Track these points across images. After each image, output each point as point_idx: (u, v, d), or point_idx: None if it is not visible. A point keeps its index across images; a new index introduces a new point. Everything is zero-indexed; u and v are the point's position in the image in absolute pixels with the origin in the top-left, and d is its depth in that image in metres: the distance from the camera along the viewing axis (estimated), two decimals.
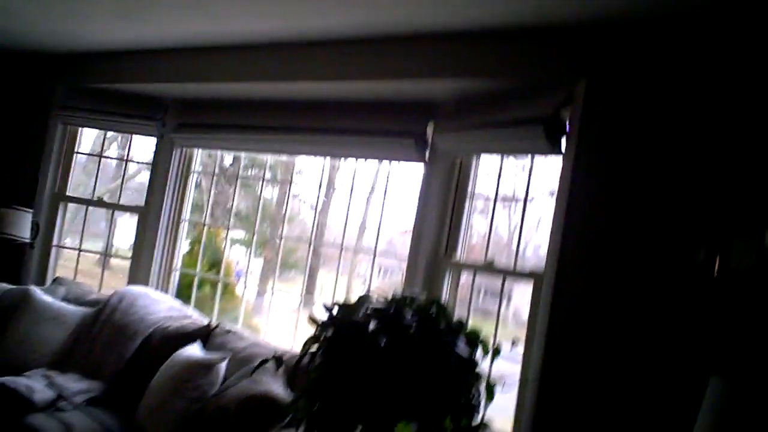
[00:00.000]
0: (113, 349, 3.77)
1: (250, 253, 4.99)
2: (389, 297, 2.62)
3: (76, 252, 5.19)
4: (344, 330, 2.41)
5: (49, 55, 5.07)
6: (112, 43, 4.51)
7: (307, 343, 2.50)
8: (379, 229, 3.94)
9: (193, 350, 3.43)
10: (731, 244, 2.31)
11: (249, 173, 6.29)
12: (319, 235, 6.77)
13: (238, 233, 6.60)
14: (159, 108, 4.82)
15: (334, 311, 2.58)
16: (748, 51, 2.37)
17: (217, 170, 5.28)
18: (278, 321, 4.54)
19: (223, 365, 3.23)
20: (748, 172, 2.31)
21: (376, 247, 3.92)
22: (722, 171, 2.37)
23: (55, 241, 5.17)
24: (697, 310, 2.33)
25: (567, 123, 2.83)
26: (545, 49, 2.91)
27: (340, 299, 2.62)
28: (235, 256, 6.63)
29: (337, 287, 4.34)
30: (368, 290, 2.69)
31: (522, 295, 3.51)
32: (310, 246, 4.44)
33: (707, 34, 2.47)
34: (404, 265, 3.64)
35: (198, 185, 5.14)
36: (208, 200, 5.03)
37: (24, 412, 3.22)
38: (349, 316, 2.48)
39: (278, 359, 2.60)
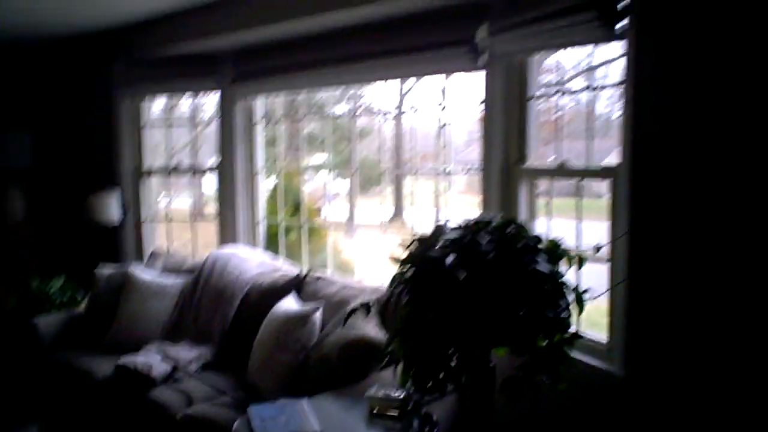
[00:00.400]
0: (216, 312, 3.93)
1: (332, 176, 5.01)
2: (464, 223, 2.57)
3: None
4: (423, 268, 2.39)
5: (100, 35, 5.13)
6: (156, 10, 4.49)
7: (392, 283, 2.51)
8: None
9: (289, 303, 3.52)
10: None
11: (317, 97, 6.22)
12: (397, 146, 6.75)
13: (317, 158, 6.63)
14: (216, 62, 4.85)
15: (412, 248, 2.58)
16: None
17: (282, 109, 5.27)
18: (368, 243, 4.54)
19: (318, 314, 3.30)
20: None
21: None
22: None
23: (143, 216, 5.37)
24: None
25: (622, 4, 2.60)
26: None
27: (419, 232, 2.60)
28: (318, 182, 6.69)
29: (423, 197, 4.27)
30: (441, 220, 2.65)
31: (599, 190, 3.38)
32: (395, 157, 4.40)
33: None
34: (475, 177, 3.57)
35: (267, 130, 5.14)
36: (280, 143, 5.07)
37: (146, 388, 3.44)
38: (426, 252, 2.45)
39: (366, 306, 2.62)
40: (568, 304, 2.37)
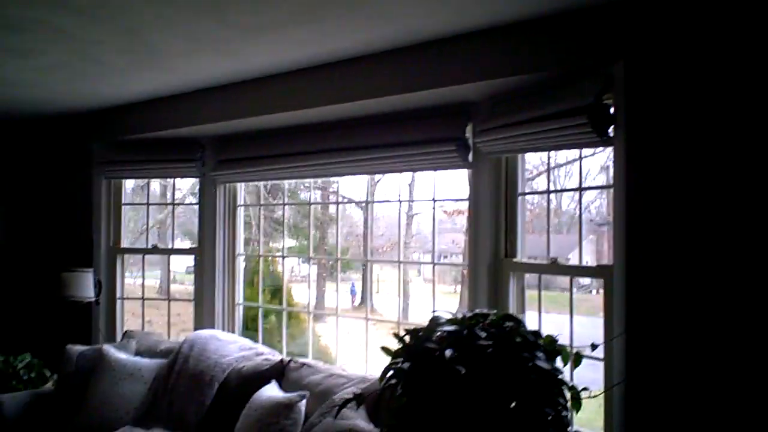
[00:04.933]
0: (193, 398, 3.82)
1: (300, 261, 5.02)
2: (459, 316, 2.58)
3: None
4: (421, 362, 2.37)
5: (81, 115, 5.20)
6: (139, 95, 4.56)
7: (384, 374, 2.48)
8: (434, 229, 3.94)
9: (271, 390, 3.45)
10: None
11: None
12: (366, 234, 6.78)
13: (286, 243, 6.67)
14: (196, 149, 4.87)
15: (407, 340, 2.57)
16: None
17: (263, 195, 5.30)
18: (338, 329, 4.51)
19: (303, 403, 3.23)
20: None
21: (433, 250, 3.88)
22: None
23: (118, 294, 5.27)
24: None
25: (612, 110, 2.73)
26: (576, 35, 2.80)
27: (410, 327, 2.60)
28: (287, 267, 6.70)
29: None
30: (435, 311, 2.66)
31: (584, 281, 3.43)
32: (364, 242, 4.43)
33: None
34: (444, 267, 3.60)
35: (246, 218, 5.16)
36: (259, 228, 5.08)
37: None
38: (422, 344, 2.44)
39: (359, 397, 2.58)
40: (566, 402, 2.37)
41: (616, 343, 2.70)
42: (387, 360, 2.52)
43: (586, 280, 3.45)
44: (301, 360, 3.78)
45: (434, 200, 3.95)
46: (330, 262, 4.72)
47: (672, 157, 2.51)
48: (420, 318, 3.91)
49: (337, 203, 5.24)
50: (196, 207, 5.14)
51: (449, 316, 2.60)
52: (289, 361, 3.76)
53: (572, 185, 3.24)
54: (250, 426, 3.22)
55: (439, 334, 2.48)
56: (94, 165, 5.19)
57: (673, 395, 2.49)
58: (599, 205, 3.39)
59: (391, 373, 2.45)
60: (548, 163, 3.42)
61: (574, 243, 3.29)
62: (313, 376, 3.54)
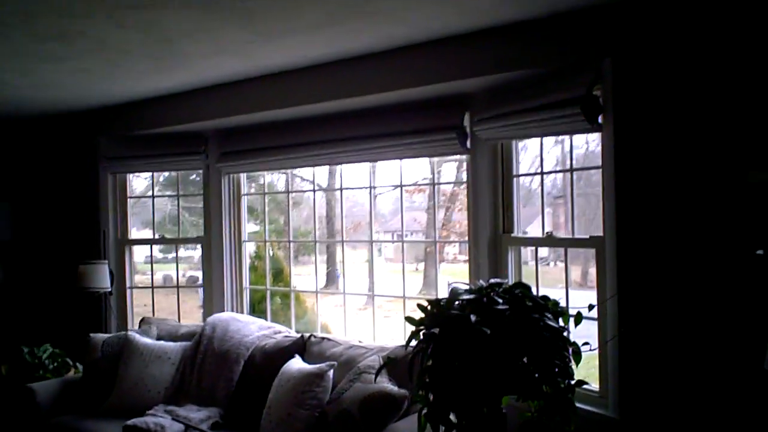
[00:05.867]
0: (221, 375, 4.14)
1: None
2: (475, 286, 2.95)
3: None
4: (449, 327, 2.74)
5: (89, 112, 5.41)
6: (147, 92, 4.80)
7: (410, 340, 2.84)
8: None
9: (298, 363, 3.78)
10: None
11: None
12: (330, 216, 7.04)
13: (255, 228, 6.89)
14: (200, 142, 5.13)
15: (429, 309, 2.93)
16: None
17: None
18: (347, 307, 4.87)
19: (332, 372, 3.58)
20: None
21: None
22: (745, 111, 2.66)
23: (128, 284, 5.54)
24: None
25: (601, 100, 3.11)
26: (568, 35, 3.16)
27: (432, 298, 2.96)
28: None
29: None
30: (453, 283, 3.03)
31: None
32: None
33: None
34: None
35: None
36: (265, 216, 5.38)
37: None
38: (448, 311, 2.81)
39: (392, 360, 2.95)
40: (570, 355, 2.76)
41: (609, 305, 3.10)
42: (401, 329, 2.85)
43: (543, 252, 3.89)
44: (321, 335, 4.13)
45: (401, 186, 4.40)
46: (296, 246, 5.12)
47: (653, 140, 2.91)
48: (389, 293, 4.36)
49: (341, 189, 5.55)
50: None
51: (465, 287, 2.96)
52: (310, 336, 4.10)
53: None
54: (285, 394, 3.56)
55: (459, 302, 2.85)
56: (100, 160, 5.43)
57: (660, 349, 2.91)
58: (554, 178, 3.77)
59: (421, 338, 2.82)
60: (540, 148, 3.79)
61: (533, 215, 3.70)
62: (335, 348, 3.89)
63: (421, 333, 2.82)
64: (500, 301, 2.77)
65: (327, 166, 5.18)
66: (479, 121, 3.72)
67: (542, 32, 3.23)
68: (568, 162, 3.60)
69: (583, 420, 3.09)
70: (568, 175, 3.53)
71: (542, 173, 3.70)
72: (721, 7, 2.72)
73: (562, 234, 3.70)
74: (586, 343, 2.82)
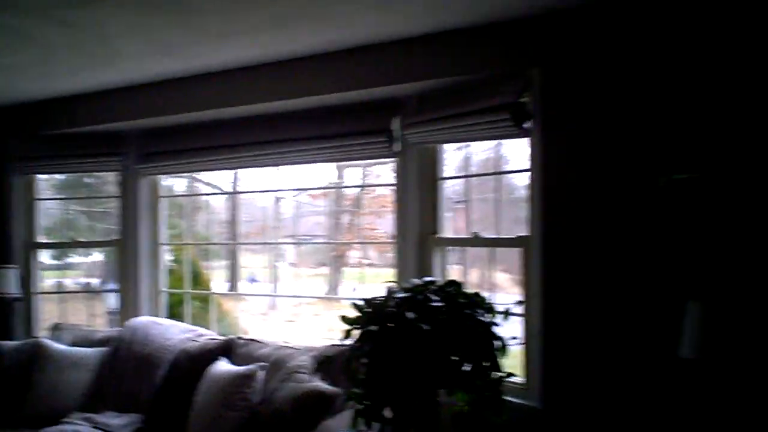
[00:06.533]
0: (142, 379, 4.03)
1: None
2: (409, 285, 3.03)
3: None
4: (387, 322, 2.80)
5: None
6: (66, 90, 4.62)
7: (344, 338, 2.88)
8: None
9: (224, 365, 3.74)
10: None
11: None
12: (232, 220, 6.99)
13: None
14: (119, 143, 4.97)
15: (365, 308, 2.98)
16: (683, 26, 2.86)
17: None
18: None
19: (261, 373, 3.56)
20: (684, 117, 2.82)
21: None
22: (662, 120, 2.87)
23: (35, 289, 5.29)
24: (668, 241, 2.85)
25: (530, 107, 3.27)
26: (498, 44, 3.30)
27: (366, 296, 3.02)
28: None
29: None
30: (389, 282, 3.10)
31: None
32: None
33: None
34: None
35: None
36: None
37: None
38: (385, 309, 2.87)
39: (328, 359, 2.98)
40: (499, 349, 2.88)
41: (534, 303, 3.25)
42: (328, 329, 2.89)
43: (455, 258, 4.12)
44: (247, 336, 4.09)
45: (300, 189, 4.42)
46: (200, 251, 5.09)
47: (578, 145, 3.08)
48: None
49: (281, 191, 5.51)
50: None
51: (398, 287, 3.04)
52: (236, 338, 4.06)
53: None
54: (213, 397, 3.51)
55: (395, 300, 2.92)
56: (8, 161, 5.17)
57: (581, 341, 3.08)
58: (453, 184, 3.94)
59: (357, 336, 2.86)
60: (466, 152, 3.92)
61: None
62: (263, 350, 3.87)
63: (356, 331, 2.87)
64: (435, 298, 2.86)
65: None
66: (409, 125, 3.81)
67: (475, 41, 3.36)
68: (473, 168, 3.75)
69: (508, 410, 3.23)
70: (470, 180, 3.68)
71: (467, 176, 3.83)
72: (640, 23, 2.93)
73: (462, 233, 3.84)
74: (514, 337, 2.95)
